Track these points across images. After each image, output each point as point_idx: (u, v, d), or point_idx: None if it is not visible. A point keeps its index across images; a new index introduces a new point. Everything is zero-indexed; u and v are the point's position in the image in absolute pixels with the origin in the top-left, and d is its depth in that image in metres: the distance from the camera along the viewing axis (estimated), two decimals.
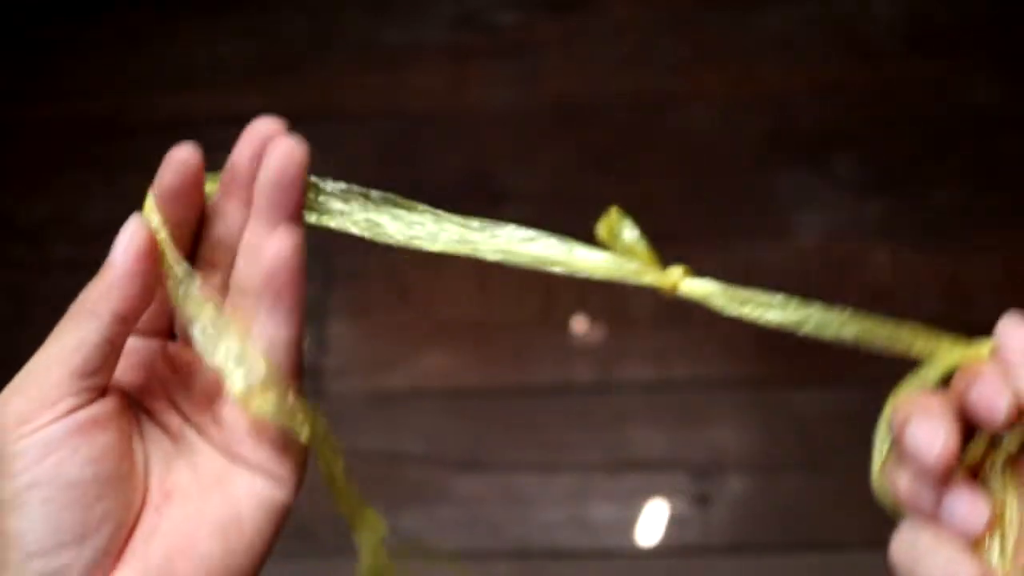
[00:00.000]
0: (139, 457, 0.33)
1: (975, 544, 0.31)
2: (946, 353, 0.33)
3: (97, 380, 0.32)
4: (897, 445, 0.32)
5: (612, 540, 0.99)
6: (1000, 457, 0.32)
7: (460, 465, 1.03)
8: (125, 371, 0.35)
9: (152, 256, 0.34)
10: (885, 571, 0.33)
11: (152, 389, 0.35)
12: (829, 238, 1.08)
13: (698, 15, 1.21)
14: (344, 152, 1.18)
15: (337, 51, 1.23)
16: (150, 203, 0.35)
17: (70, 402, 0.32)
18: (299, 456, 0.35)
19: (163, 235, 0.34)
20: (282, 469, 0.35)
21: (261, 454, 0.34)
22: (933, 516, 0.31)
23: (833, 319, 0.33)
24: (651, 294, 1.17)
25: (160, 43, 1.26)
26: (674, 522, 0.99)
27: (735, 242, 1.08)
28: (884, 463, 0.33)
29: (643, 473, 1.01)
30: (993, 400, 0.30)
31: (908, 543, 0.32)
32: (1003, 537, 0.31)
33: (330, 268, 1.08)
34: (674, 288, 0.35)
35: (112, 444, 0.32)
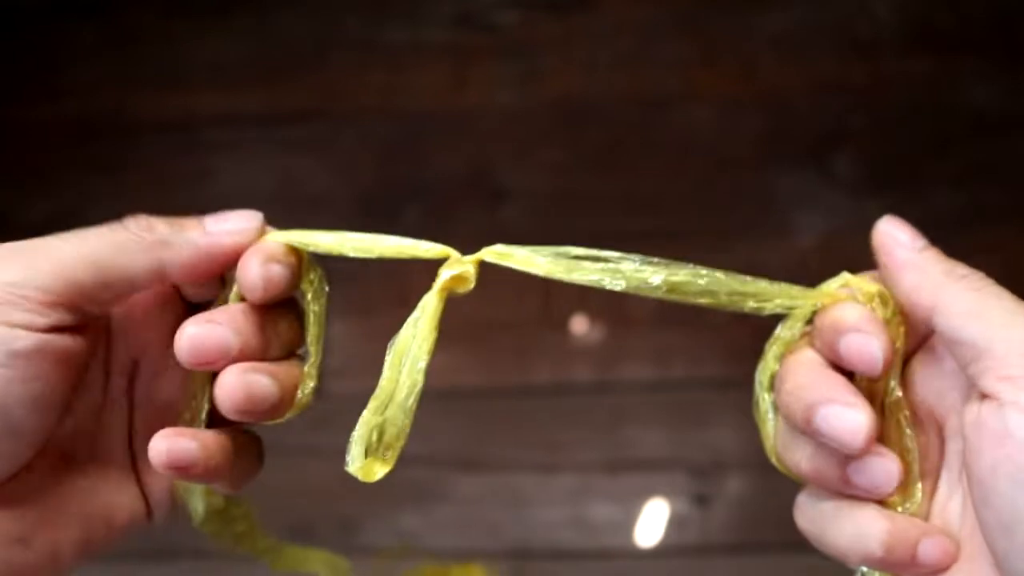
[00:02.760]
0: (68, 406, 0.31)
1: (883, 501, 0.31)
2: (801, 303, 0.32)
3: (98, 309, 0.30)
4: (794, 424, 0.31)
5: (612, 540, 0.99)
6: (889, 397, 0.32)
7: (460, 465, 1.03)
8: (122, 316, 0.33)
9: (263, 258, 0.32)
10: None
11: (129, 350, 0.33)
12: (829, 238, 1.08)
13: (698, 15, 1.21)
14: (344, 152, 1.19)
15: (337, 51, 1.23)
16: (286, 237, 0.33)
17: (63, 316, 0.29)
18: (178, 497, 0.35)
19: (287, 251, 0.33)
20: (166, 503, 0.34)
21: (162, 489, 0.34)
22: (840, 485, 0.31)
23: (687, 276, 0.32)
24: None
25: (160, 43, 1.26)
26: (673, 522, 0.99)
27: (735, 242, 1.08)
28: (775, 436, 0.33)
29: (643, 473, 1.01)
30: (866, 350, 0.30)
31: (812, 511, 0.32)
32: (909, 475, 0.31)
33: (330, 268, 1.08)
34: (477, 261, 0.34)
35: (59, 385, 0.30)
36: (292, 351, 0.33)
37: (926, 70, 1.16)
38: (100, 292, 0.30)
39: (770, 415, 0.34)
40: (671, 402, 1.03)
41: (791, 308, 0.32)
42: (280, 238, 0.33)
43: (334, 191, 1.16)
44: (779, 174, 1.12)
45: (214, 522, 0.35)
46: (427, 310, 0.32)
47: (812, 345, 0.32)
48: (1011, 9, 1.17)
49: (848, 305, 0.31)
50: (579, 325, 1.06)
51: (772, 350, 0.33)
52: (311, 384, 0.33)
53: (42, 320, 0.28)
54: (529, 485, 1.02)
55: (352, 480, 0.36)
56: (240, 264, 0.32)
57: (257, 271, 0.31)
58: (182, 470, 0.31)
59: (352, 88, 1.21)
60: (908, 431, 0.31)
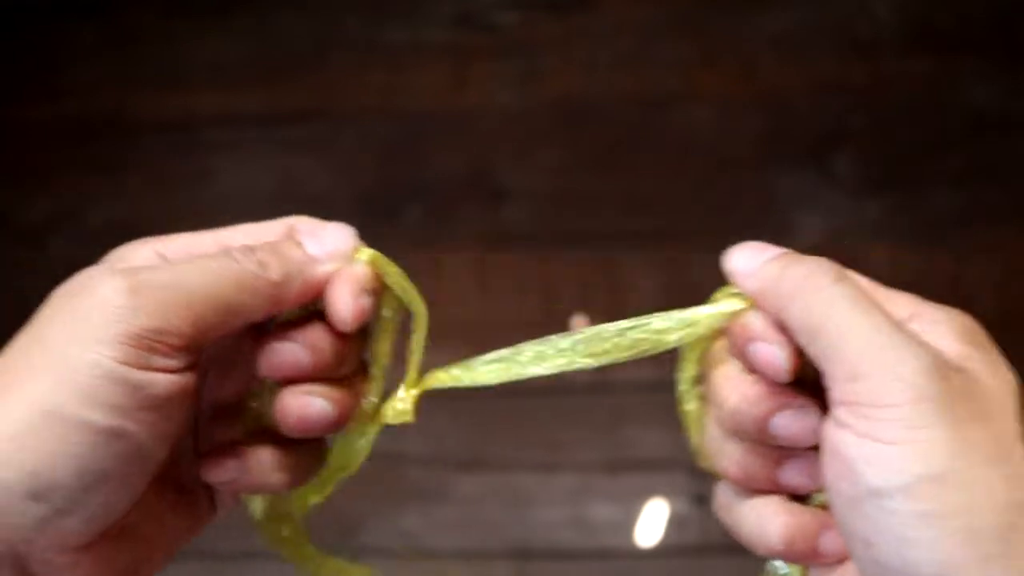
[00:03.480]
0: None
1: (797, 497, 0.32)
2: (706, 322, 0.33)
3: (203, 347, 0.30)
4: (742, 433, 0.32)
5: (612, 540, 0.99)
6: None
7: (460, 465, 1.03)
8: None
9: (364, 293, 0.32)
10: None
11: (204, 354, 0.32)
12: (829, 238, 1.08)
13: (698, 15, 1.21)
14: (344, 152, 1.19)
15: (337, 51, 1.23)
16: (375, 260, 0.33)
17: (192, 356, 0.29)
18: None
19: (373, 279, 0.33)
20: (230, 501, 0.35)
21: (217, 506, 0.34)
22: (769, 485, 0.32)
23: (597, 340, 0.34)
24: (651, 293, 1.17)
25: (160, 43, 1.26)
26: (673, 522, 0.99)
27: (735, 242, 1.07)
28: (702, 438, 0.34)
29: (642, 473, 1.01)
30: (771, 359, 0.30)
31: (724, 502, 0.34)
32: None
33: None
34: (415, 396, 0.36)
35: (183, 419, 0.30)
36: (358, 367, 0.34)
37: (926, 70, 1.16)
38: (221, 329, 0.30)
39: (698, 419, 0.35)
40: (671, 402, 1.02)
41: (692, 331, 0.33)
42: (366, 257, 0.32)
43: (334, 191, 1.16)
44: (779, 174, 1.12)
45: (270, 523, 0.36)
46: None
47: (731, 352, 0.33)
48: (1011, 9, 1.17)
49: (752, 315, 0.31)
50: (579, 325, 1.06)
51: (690, 356, 0.34)
52: (374, 399, 0.34)
53: (176, 363, 0.29)
54: (529, 485, 1.02)
55: (353, 480, 0.36)
56: (331, 294, 0.32)
57: (349, 305, 0.31)
58: (232, 487, 0.33)
59: (352, 88, 1.21)
60: None
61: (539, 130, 1.17)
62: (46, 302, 0.30)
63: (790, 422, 0.31)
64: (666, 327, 0.33)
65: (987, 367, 0.29)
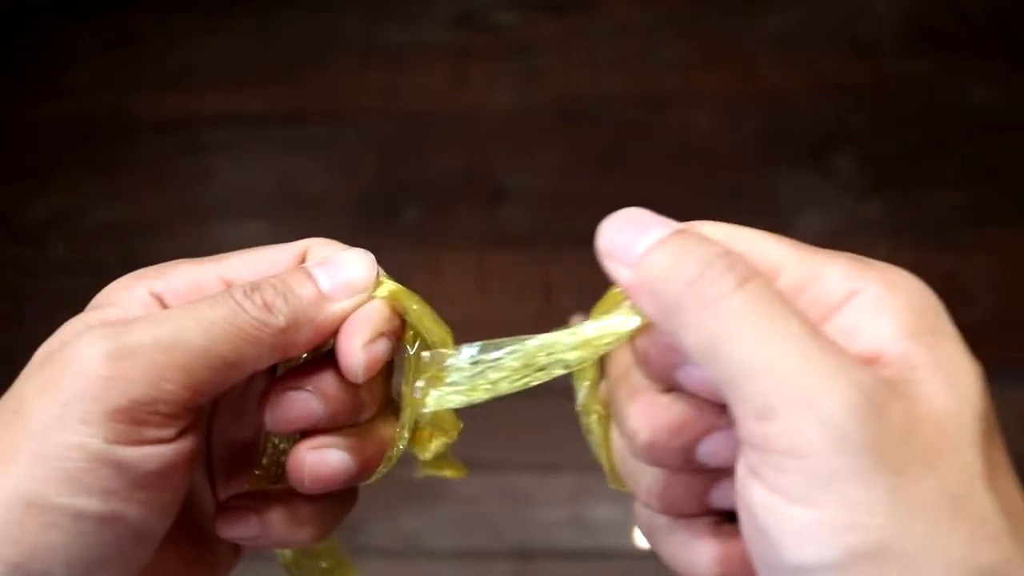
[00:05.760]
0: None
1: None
2: (597, 343, 0.28)
3: (203, 406, 0.26)
4: (666, 462, 0.26)
5: (612, 540, 0.99)
6: None
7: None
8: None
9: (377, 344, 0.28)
10: None
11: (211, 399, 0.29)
12: (829, 238, 1.08)
13: (698, 15, 1.21)
14: (344, 152, 1.19)
15: (337, 51, 1.23)
16: (396, 295, 0.29)
17: (187, 420, 0.26)
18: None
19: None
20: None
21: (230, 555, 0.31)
22: (699, 509, 0.27)
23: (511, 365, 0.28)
24: None
25: (160, 43, 1.26)
26: None
27: None
28: (612, 462, 0.30)
29: None
30: (707, 384, 0.25)
31: (647, 523, 0.28)
32: None
33: None
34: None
35: (185, 482, 0.27)
36: (385, 405, 0.30)
37: (926, 70, 1.16)
38: (222, 387, 0.27)
39: (604, 441, 0.30)
40: None
41: (582, 354, 0.28)
42: (385, 292, 0.28)
43: (334, 191, 1.16)
44: (779, 174, 1.12)
45: (300, 563, 0.32)
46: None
47: (643, 373, 0.27)
48: (1011, 9, 1.17)
49: (652, 332, 0.25)
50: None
51: (584, 373, 0.29)
52: (401, 446, 0.30)
53: (170, 431, 0.25)
54: (529, 485, 1.02)
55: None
56: (341, 342, 0.28)
57: (358, 356, 0.28)
58: (252, 544, 0.29)
59: (352, 88, 1.21)
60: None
61: (538, 130, 1.17)
62: (28, 366, 0.27)
63: (721, 446, 0.25)
64: (548, 355, 0.27)
65: (938, 373, 0.22)
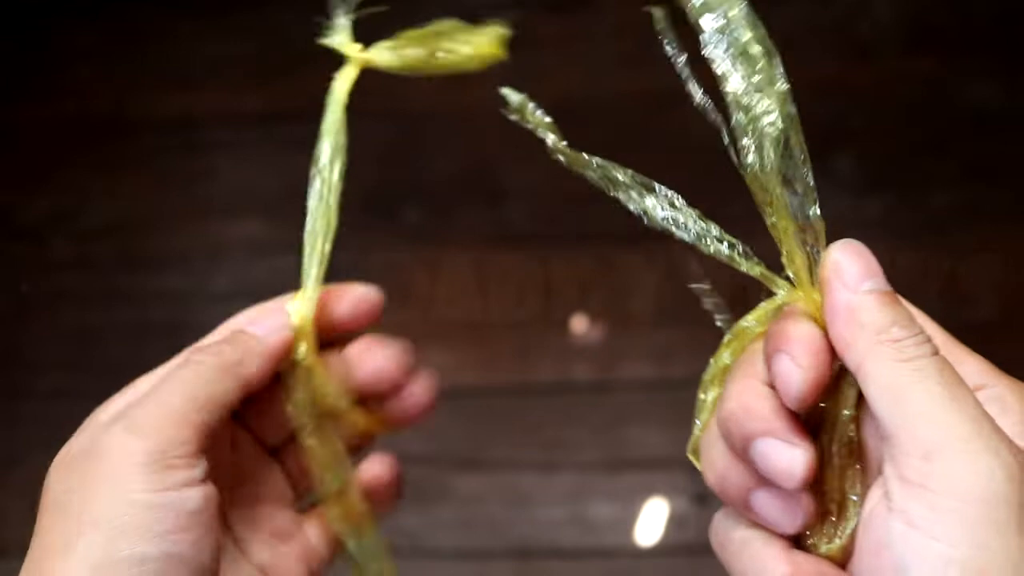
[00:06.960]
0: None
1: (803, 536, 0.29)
2: (767, 310, 0.31)
3: (208, 452, 0.31)
4: (730, 445, 0.29)
5: (612, 539, 0.99)
6: (837, 442, 0.29)
7: (460, 465, 1.03)
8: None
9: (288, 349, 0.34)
10: None
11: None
12: (829, 237, 1.08)
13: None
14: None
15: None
16: (310, 295, 0.36)
17: (206, 461, 0.30)
18: None
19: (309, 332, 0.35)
20: None
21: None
22: (741, 508, 0.29)
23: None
24: (651, 293, 1.17)
25: (160, 43, 1.26)
26: (673, 521, 0.99)
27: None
28: (702, 432, 0.32)
29: (643, 472, 1.01)
30: (789, 379, 0.28)
31: (722, 536, 0.30)
32: (841, 516, 0.29)
33: (330, 267, 1.08)
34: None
35: (212, 535, 0.30)
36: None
37: (926, 70, 1.16)
38: (217, 424, 0.31)
39: (707, 411, 0.33)
40: (671, 402, 1.03)
41: (769, 284, 0.32)
42: (302, 308, 0.35)
43: None
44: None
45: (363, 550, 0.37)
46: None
47: (764, 354, 0.29)
48: (1011, 9, 1.17)
49: (798, 322, 0.29)
50: (579, 324, 1.06)
51: (730, 344, 0.32)
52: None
53: (198, 471, 0.30)
54: (529, 485, 1.02)
55: None
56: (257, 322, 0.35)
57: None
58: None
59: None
60: (850, 471, 0.29)
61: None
62: (55, 469, 0.31)
63: (772, 451, 0.27)
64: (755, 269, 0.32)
65: None
